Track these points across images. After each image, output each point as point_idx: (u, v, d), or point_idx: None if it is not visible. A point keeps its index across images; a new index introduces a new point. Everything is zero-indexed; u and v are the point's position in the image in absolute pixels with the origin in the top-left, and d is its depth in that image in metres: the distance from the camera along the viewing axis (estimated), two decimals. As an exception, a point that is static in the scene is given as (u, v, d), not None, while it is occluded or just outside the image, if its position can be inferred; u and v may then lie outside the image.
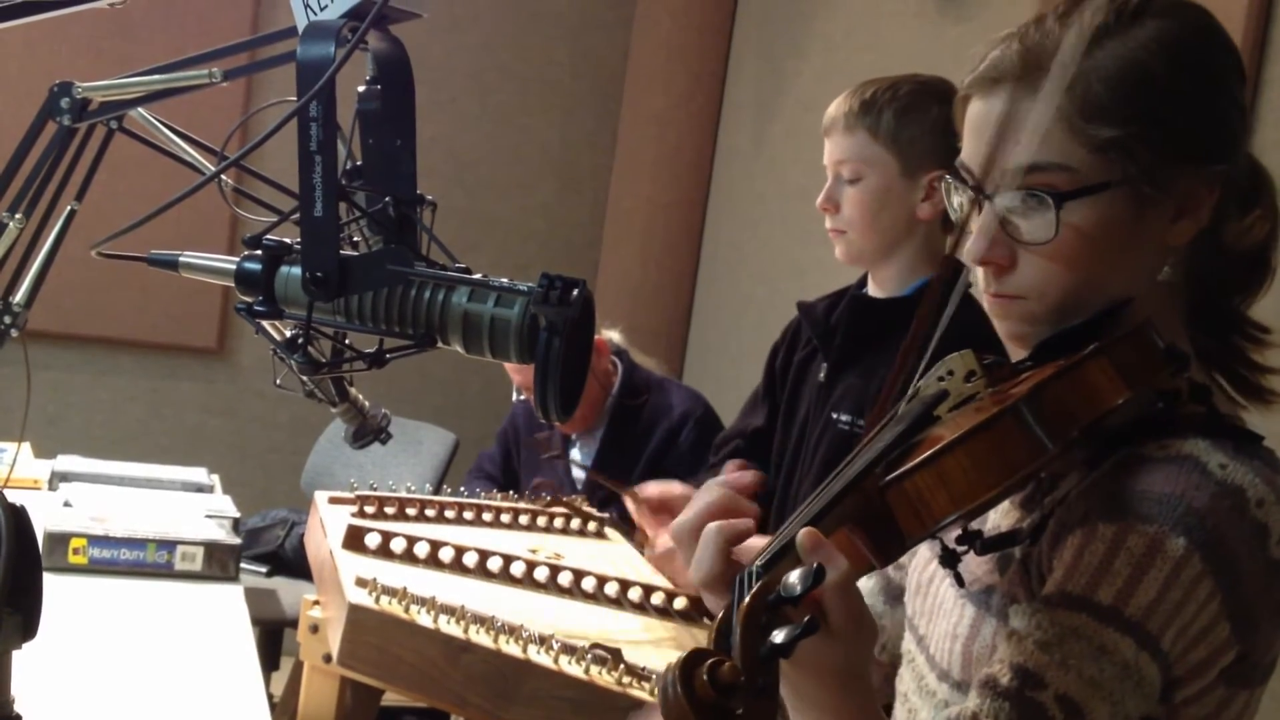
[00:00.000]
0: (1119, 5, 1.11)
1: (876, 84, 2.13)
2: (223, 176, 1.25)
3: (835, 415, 2.11)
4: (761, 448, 2.33)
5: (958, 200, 1.18)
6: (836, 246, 2.18)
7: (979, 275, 1.17)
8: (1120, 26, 1.10)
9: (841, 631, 0.98)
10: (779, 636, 0.84)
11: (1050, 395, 1.00)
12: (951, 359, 1.12)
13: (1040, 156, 1.10)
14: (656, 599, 2.13)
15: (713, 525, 1.09)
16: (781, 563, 0.97)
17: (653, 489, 2.20)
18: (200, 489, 2.99)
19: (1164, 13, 1.11)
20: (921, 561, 1.29)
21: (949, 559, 1.10)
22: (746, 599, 0.88)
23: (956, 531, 1.09)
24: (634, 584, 2.13)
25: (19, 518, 1.11)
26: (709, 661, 0.83)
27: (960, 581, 1.13)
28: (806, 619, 0.85)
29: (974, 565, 1.15)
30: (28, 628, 1.13)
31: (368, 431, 1.44)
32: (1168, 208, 1.11)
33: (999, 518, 1.19)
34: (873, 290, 2.21)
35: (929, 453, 0.99)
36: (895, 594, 1.40)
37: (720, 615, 0.90)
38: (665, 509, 2.17)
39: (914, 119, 2.08)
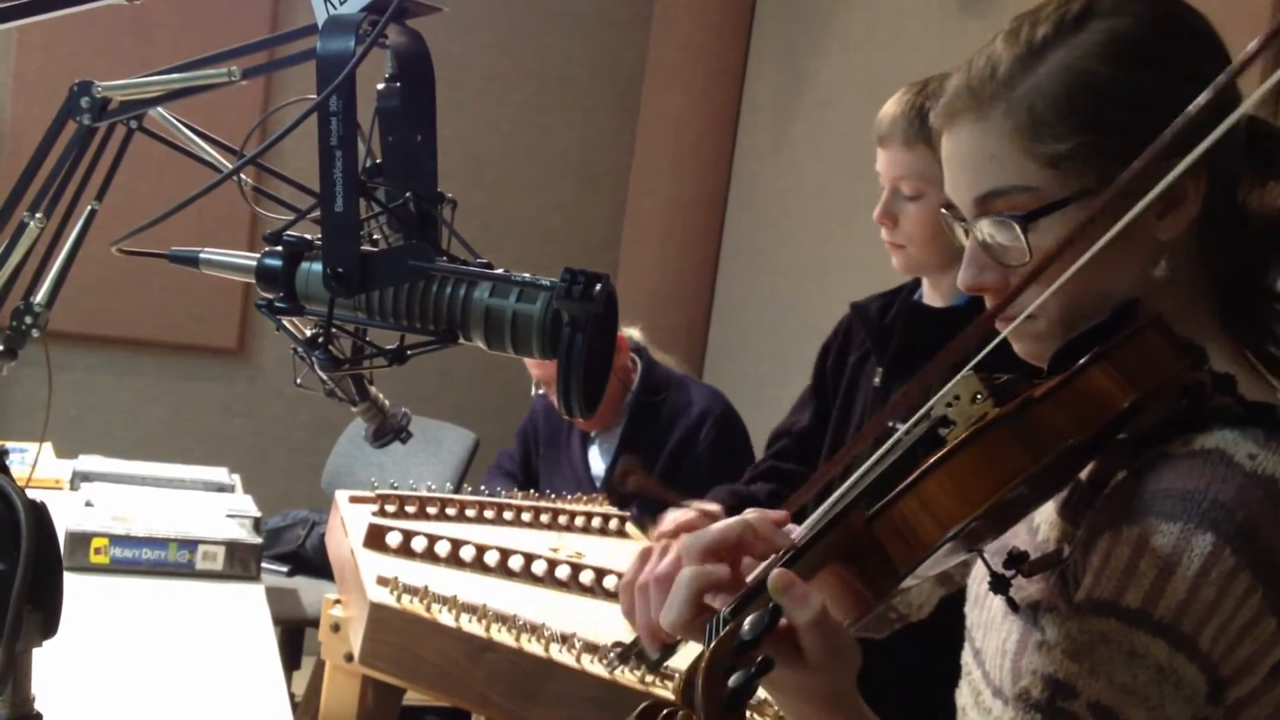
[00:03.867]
0: (1061, 13, 1.09)
1: (935, 90, 2.05)
2: (241, 174, 1.24)
3: (890, 424, 2.09)
4: (808, 446, 2.33)
5: (955, 229, 1.18)
6: (894, 258, 2.14)
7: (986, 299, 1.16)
8: (1063, 35, 1.07)
9: (821, 665, 0.96)
10: (734, 680, 0.83)
11: (1041, 408, 0.97)
12: (955, 384, 1.09)
13: (999, 181, 1.09)
14: (678, 598, 2.12)
15: (686, 572, 1.06)
16: (750, 605, 0.96)
17: (668, 523, 2.22)
18: (221, 489, 3.00)
19: (1114, 9, 1.08)
20: (980, 573, 1.27)
21: (999, 585, 1.08)
22: (710, 647, 0.87)
23: (1003, 558, 1.08)
24: (656, 582, 2.12)
25: (39, 514, 1.11)
26: (663, 713, 0.83)
27: (1014, 606, 1.11)
28: (760, 659, 0.84)
29: (1024, 582, 1.14)
30: (48, 625, 1.13)
31: (388, 430, 1.44)
32: (1152, 205, 1.08)
33: (1049, 530, 1.17)
34: (928, 296, 2.19)
35: (911, 478, 0.97)
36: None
37: (689, 665, 0.89)
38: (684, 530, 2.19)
39: None
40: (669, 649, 1.29)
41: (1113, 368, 1.00)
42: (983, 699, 1.19)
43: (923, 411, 1.09)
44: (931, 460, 0.97)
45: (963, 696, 1.26)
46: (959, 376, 1.08)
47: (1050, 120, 1.06)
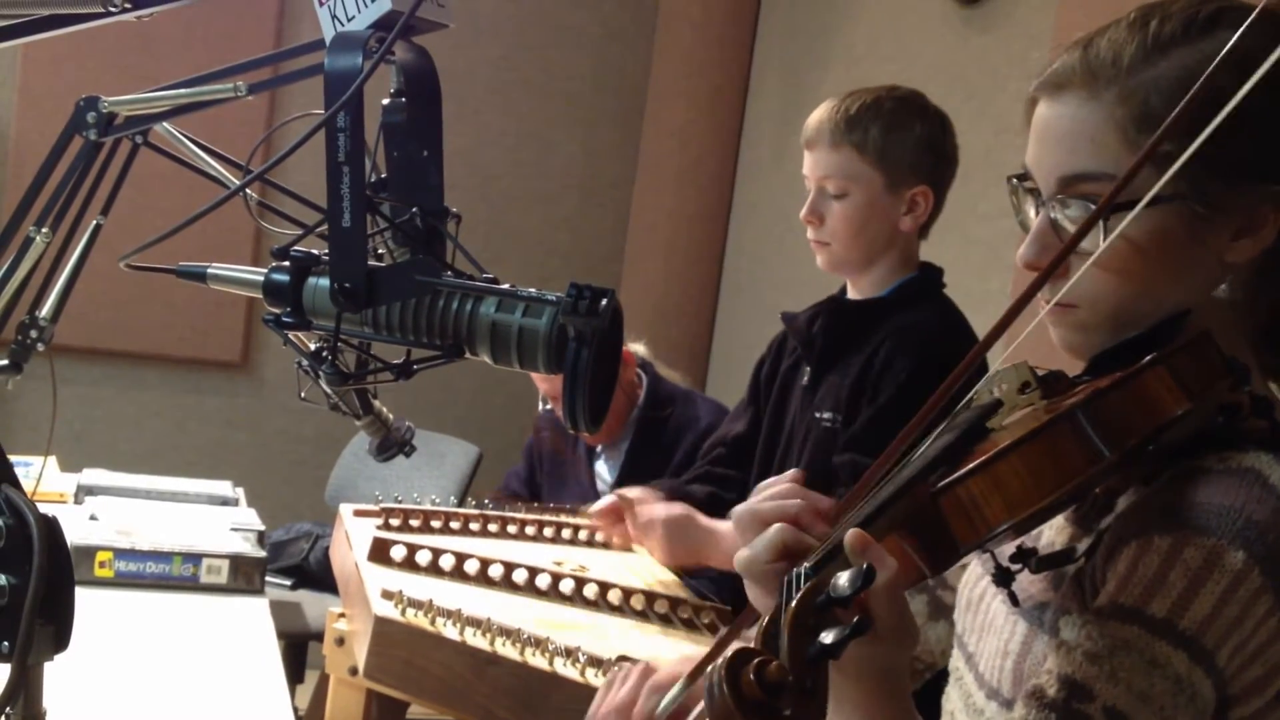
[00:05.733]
0: (1190, 14, 1.08)
1: (859, 98, 2.19)
2: (247, 190, 1.25)
3: (819, 415, 2.18)
4: (743, 451, 2.44)
5: (1022, 202, 1.17)
6: (818, 256, 2.27)
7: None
8: (1190, 37, 1.07)
9: (885, 634, 0.97)
10: (828, 637, 0.83)
11: (1108, 403, 0.98)
12: (1005, 371, 1.10)
13: (1092, 166, 1.08)
14: (683, 612, 2.12)
15: (779, 526, 1.07)
16: (831, 564, 0.96)
17: (601, 504, 2.38)
18: (225, 502, 3.00)
19: (1240, 23, 1.06)
20: (972, 578, 1.27)
21: (1002, 577, 1.08)
22: (795, 600, 0.87)
23: (1011, 550, 1.08)
24: (660, 596, 2.12)
25: (51, 529, 1.11)
26: (755, 661, 0.83)
27: (1015, 601, 1.11)
28: (856, 620, 0.84)
29: (1027, 582, 1.13)
30: (59, 639, 1.13)
31: (392, 444, 1.44)
32: (1227, 225, 1.07)
33: (1054, 535, 1.17)
34: (852, 295, 2.30)
35: (983, 458, 0.98)
36: (939, 607, 1.39)
37: (768, 616, 0.89)
38: (619, 517, 2.37)
39: (899, 136, 2.17)
40: None
41: (1169, 375, 1.00)
42: (974, 701, 1.19)
43: (970, 394, 1.10)
44: (1007, 443, 0.98)
45: (951, 701, 1.26)
46: (1011, 365, 1.09)
47: (1161, 117, 1.04)
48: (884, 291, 2.23)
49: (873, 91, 2.20)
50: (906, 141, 2.16)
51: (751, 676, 0.82)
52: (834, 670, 0.99)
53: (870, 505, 1.02)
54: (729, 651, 0.84)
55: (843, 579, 0.87)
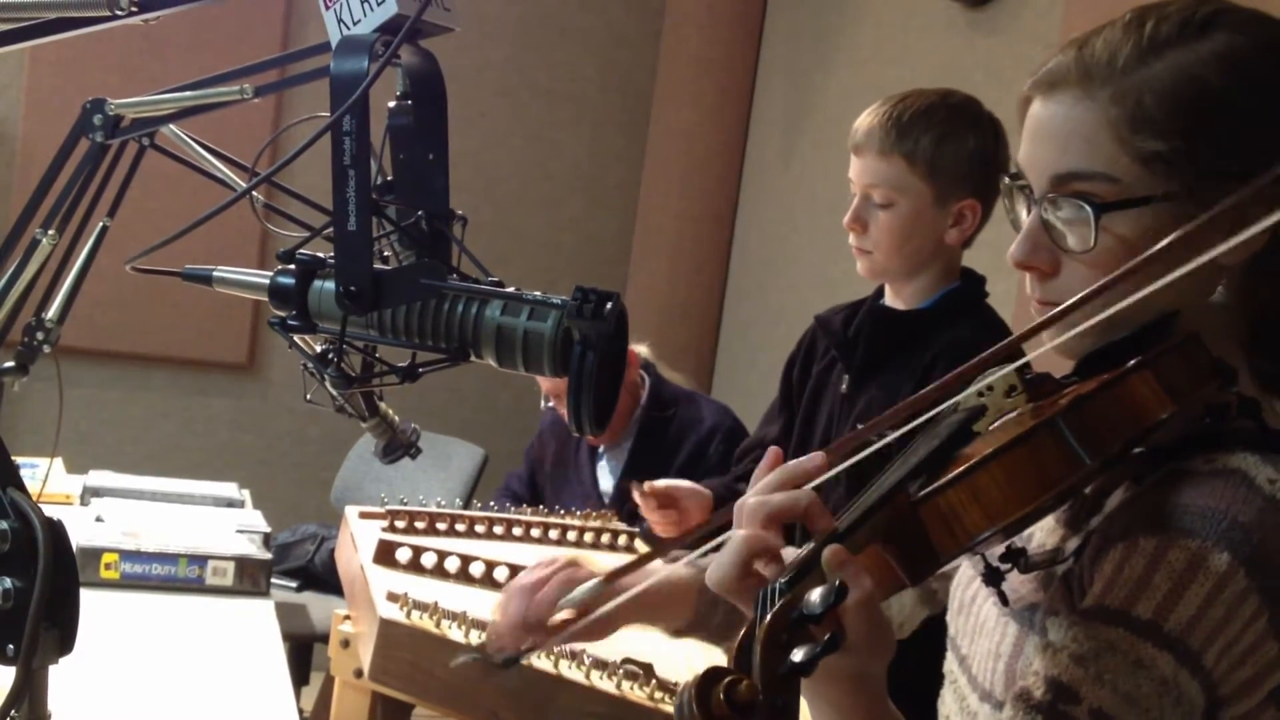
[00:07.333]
0: (1186, 16, 1.08)
1: (911, 104, 2.11)
2: (254, 192, 1.25)
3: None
4: None
5: (1015, 202, 1.17)
6: (859, 263, 2.19)
7: (1026, 279, 1.15)
8: (1184, 38, 1.07)
9: (859, 647, 0.96)
10: (799, 655, 0.83)
11: (1090, 410, 0.98)
12: (991, 374, 1.10)
13: (1084, 165, 1.07)
14: (688, 614, 2.12)
15: (740, 534, 1.07)
16: (806, 578, 0.96)
17: (661, 483, 2.23)
18: (231, 504, 3.00)
19: (1236, 26, 1.07)
20: (964, 579, 1.27)
21: (992, 577, 1.08)
22: (769, 616, 0.87)
23: (1000, 550, 1.08)
24: (665, 599, 2.12)
25: (56, 533, 1.11)
26: (726, 680, 0.83)
27: (1004, 600, 1.11)
28: (827, 637, 0.84)
29: (1018, 583, 1.13)
30: (64, 643, 1.13)
31: (397, 446, 1.44)
32: (1219, 226, 1.07)
33: (1044, 536, 1.17)
34: (891, 302, 2.23)
35: (963, 468, 0.97)
36: (929, 597, 1.39)
37: (742, 632, 0.89)
38: (671, 504, 2.21)
39: (950, 149, 2.08)
40: (512, 659, 1.33)
41: (1154, 378, 1.00)
42: (968, 704, 1.19)
43: (955, 400, 1.10)
44: (986, 453, 0.97)
45: (945, 704, 1.26)
46: (1003, 370, 1.08)
47: (1155, 117, 1.05)
48: (927, 302, 2.17)
49: (926, 96, 2.13)
50: (958, 154, 2.09)
51: (722, 696, 0.81)
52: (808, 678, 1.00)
53: (850, 516, 1.02)
54: (700, 670, 0.83)
55: (815, 596, 0.87)
